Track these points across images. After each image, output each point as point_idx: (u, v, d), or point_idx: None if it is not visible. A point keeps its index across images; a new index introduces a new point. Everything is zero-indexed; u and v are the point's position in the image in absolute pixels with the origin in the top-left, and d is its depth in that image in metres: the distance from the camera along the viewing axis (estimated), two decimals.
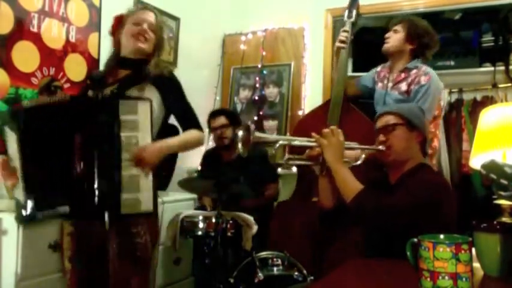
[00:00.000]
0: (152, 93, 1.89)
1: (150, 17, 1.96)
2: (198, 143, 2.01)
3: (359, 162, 1.81)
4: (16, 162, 1.68)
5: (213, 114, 3.24)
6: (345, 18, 2.83)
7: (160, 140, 1.85)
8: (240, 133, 1.59)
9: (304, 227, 2.67)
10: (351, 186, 1.65)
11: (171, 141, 1.90)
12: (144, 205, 1.71)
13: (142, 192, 1.71)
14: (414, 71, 2.51)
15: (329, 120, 2.74)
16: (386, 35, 2.62)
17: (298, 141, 1.76)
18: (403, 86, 2.53)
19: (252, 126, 1.58)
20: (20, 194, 1.70)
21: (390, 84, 2.61)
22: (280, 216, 2.94)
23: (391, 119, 1.78)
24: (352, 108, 2.80)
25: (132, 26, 1.93)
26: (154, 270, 2.75)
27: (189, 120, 1.99)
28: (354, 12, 2.81)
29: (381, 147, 1.76)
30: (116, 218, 1.69)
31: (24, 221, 1.87)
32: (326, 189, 1.79)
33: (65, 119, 1.68)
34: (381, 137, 1.77)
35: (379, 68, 2.77)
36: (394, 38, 2.57)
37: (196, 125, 1.99)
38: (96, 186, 1.64)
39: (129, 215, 1.71)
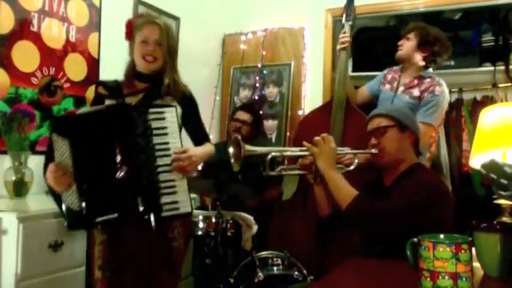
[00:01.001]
0: (175, 105, 1.95)
1: (155, 33, 1.96)
2: (211, 155, 2.11)
3: (352, 167, 1.81)
4: (66, 168, 1.73)
5: (243, 108, 3.35)
6: (343, 21, 2.86)
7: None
8: (231, 149, 1.60)
9: (305, 227, 2.67)
10: (345, 192, 1.64)
11: (207, 150, 2.01)
12: (182, 207, 1.80)
13: (179, 194, 1.80)
14: (428, 80, 2.59)
15: (332, 121, 2.76)
16: (399, 43, 2.68)
17: (290, 151, 1.77)
18: (416, 92, 2.58)
19: (242, 141, 1.58)
20: (70, 200, 1.74)
21: (402, 88, 2.66)
22: (281, 215, 2.94)
23: (382, 121, 1.77)
24: (354, 109, 2.80)
25: (140, 44, 1.95)
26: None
27: (204, 136, 2.11)
28: (352, 15, 2.83)
29: (373, 150, 1.75)
30: (157, 221, 1.76)
31: (77, 228, 1.90)
32: (321, 197, 1.79)
33: (104, 127, 1.76)
34: (373, 140, 1.77)
35: (386, 71, 2.82)
36: (407, 46, 2.64)
37: (209, 139, 2.12)
38: (137, 192, 1.72)
39: (168, 217, 1.79)
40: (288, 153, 1.75)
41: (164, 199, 1.76)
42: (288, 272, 2.31)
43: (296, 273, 2.29)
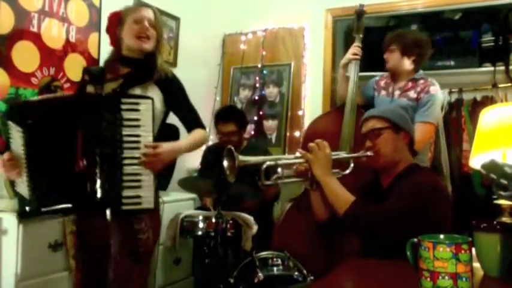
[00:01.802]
0: (155, 93, 1.90)
1: (149, 13, 1.96)
2: (204, 142, 2.08)
3: (348, 171, 1.80)
4: (20, 157, 1.69)
5: (223, 118, 3.11)
6: (354, 34, 2.91)
7: (159, 138, 1.86)
8: (225, 162, 1.59)
9: (309, 226, 2.67)
10: (342, 198, 1.64)
11: (183, 143, 1.95)
12: (145, 202, 1.74)
13: (143, 189, 1.73)
14: (421, 81, 2.66)
15: (344, 126, 2.79)
16: (385, 56, 2.75)
17: (285, 159, 1.76)
18: (412, 94, 2.65)
19: (235, 151, 1.57)
20: (23, 189, 1.70)
21: (398, 92, 2.72)
22: (290, 214, 2.94)
23: (376, 124, 1.77)
24: (363, 112, 2.81)
25: (132, 24, 1.92)
26: (154, 269, 2.76)
27: (194, 120, 2.03)
28: (362, 28, 2.89)
29: (368, 153, 1.75)
30: (117, 214, 1.71)
31: (27, 217, 1.87)
32: (318, 202, 1.78)
33: (68, 115, 1.70)
34: (368, 143, 1.76)
35: (377, 78, 2.89)
36: (392, 58, 2.71)
37: (200, 125, 2.03)
38: (98, 183, 1.66)
39: (130, 211, 1.74)
40: (283, 161, 1.73)
41: (126, 192, 1.70)
42: (288, 272, 2.31)
43: (296, 273, 2.29)
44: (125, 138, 1.71)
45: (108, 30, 1.99)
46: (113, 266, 1.75)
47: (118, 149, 1.70)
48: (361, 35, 2.88)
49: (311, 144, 1.70)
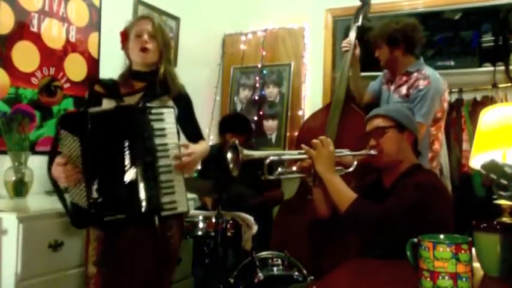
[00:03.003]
0: (171, 105, 1.97)
1: (148, 25, 1.99)
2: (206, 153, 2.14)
3: (351, 169, 1.80)
4: (74, 165, 1.74)
5: (234, 129, 3.10)
6: (352, 23, 2.88)
7: None
8: (229, 155, 1.60)
9: (306, 226, 2.67)
10: (344, 195, 1.64)
11: (204, 148, 2.05)
12: (180, 206, 1.83)
13: (177, 194, 1.82)
14: (415, 74, 2.54)
15: (328, 122, 2.75)
16: (376, 54, 2.68)
17: (289, 154, 1.77)
18: (403, 90, 2.57)
19: (239, 145, 1.58)
20: (78, 198, 1.75)
21: (393, 87, 2.66)
22: (283, 215, 2.94)
23: (380, 122, 1.77)
24: (353, 109, 2.80)
25: (134, 39, 1.97)
26: None
27: (198, 135, 2.12)
28: (361, 17, 2.85)
29: (372, 151, 1.75)
30: (159, 220, 1.79)
31: (84, 225, 1.89)
32: (320, 198, 1.78)
33: (114, 127, 1.79)
34: (372, 141, 1.76)
35: (386, 71, 2.81)
36: (382, 54, 2.63)
37: (203, 138, 2.14)
38: (143, 192, 1.74)
39: (166, 217, 1.81)
40: (287, 156, 1.74)
41: (164, 199, 1.79)
42: (288, 272, 2.31)
43: (296, 273, 2.29)
44: (158, 148, 1.81)
45: (122, 48, 2.05)
46: (144, 272, 1.80)
47: (155, 158, 1.79)
48: (357, 24, 2.80)
49: (315, 141, 1.70)
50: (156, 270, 1.86)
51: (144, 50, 1.95)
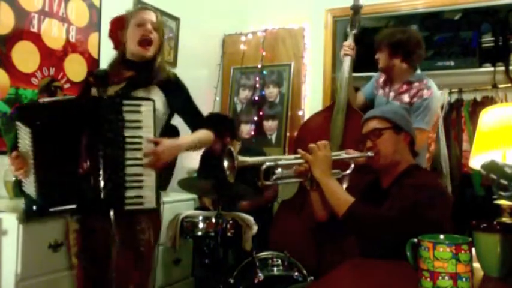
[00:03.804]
0: (157, 95, 1.92)
1: (152, 16, 1.97)
2: (209, 142, 2.06)
3: (348, 171, 1.80)
4: (27, 157, 1.71)
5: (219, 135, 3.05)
6: (347, 29, 2.89)
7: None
8: (225, 162, 1.59)
9: (306, 226, 2.67)
10: (342, 199, 1.64)
11: (184, 141, 1.94)
12: (147, 202, 1.75)
13: (145, 189, 1.75)
14: (416, 84, 2.61)
15: (332, 125, 2.77)
16: (376, 56, 2.71)
17: (285, 159, 1.74)
18: (406, 98, 2.62)
19: (235, 152, 1.58)
20: (30, 189, 1.72)
21: (392, 94, 2.69)
22: (282, 214, 2.94)
23: (376, 124, 1.76)
24: (355, 111, 2.81)
25: (135, 28, 1.93)
26: (155, 269, 2.76)
27: (198, 121, 2.03)
28: (357, 25, 2.86)
29: (369, 153, 1.74)
30: (120, 214, 1.73)
31: (33, 216, 1.88)
32: (318, 202, 1.78)
33: (72, 117, 1.72)
34: (368, 143, 1.76)
35: (378, 75, 2.85)
36: (382, 58, 2.67)
37: (205, 125, 2.03)
38: (101, 183, 1.68)
39: (132, 211, 1.75)
40: (283, 161, 1.72)
41: (129, 193, 1.72)
42: (288, 272, 2.31)
43: (296, 273, 2.29)
44: (127, 140, 1.72)
45: (110, 35, 2.00)
46: (114, 266, 1.76)
47: (120, 150, 1.71)
48: (354, 31, 2.84)
49: (311, 145, 1.70)
50: (127, 263, 1.81)
51: (146, 41, 1.91)
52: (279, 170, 1.70)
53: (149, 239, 1.88)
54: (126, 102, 1.74)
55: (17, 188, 1.80)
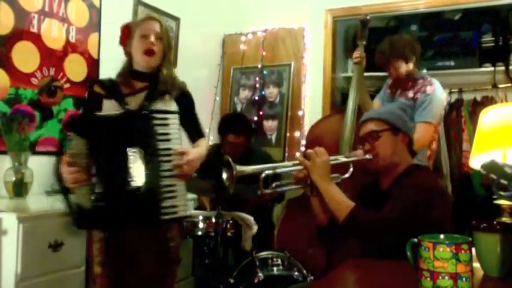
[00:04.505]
0: (174, 107, 1.96)
1: (156, 26, 1.98)
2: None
3: (347, 175, 1.79)
4: (80, 166, 1.74)
5: (235, 130, 3.06)
6: (357, 41, 2.95)
7: None
8: (224, 174, 1.60)
9: (315, 225, 2.67)
10: (342, 204, 1.63)
11: (203, 151, 2.04)
12: (180, 210, 1.84)
13: (178, 198, 1.83)
14: (420, 81, 2.72)
15: (343, 130, 2.83)
16: (390, 71, 2.79)
17: (283, 167, 1.74)
18: (410, 93, 2.72)
19: (232, 162, 1.57)
20: (81, 198, 1.74)
21: (398, 92, 2.81)
22: (289, 214, 2.95)
23: (374, 126, 1.76)
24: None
25: (140, 39, 1.95)
26: None
27: (199, 132, 2.12)
28: (365, 36, 2.93)
29: (367, 156, 1.74)
30: (156, 224, 1.81)
31: (84, 228, 1.91)
32: (319, 207, 1.77)
33: (118, 132, 1.78)
34: (367, 146, 1.75)
35: (388, 80, 2.97)
36: (401, 69, 2.73)
37: (204, 135, 2.14)
38: (141, 196, 1.75)
39: (166, 220, 1.81)
40: (282, 169, 1.72)
41: (165, 203, 1.80)
42: (288, 272, 2.31)
43: (296, 273, 2.29)
44: (161, 152, 1.80)
45: (121, 43, 2.03)
46: (146, 273, 1.82)
47: (158, 163, 1.79)
48: (364, 42, 2.93)
49: (309, 151, 1.70)
50: (159, 271, 1.87)
51: (149, 52, 1.93)
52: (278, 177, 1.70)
53: (177, 245, 1.95)
54: (157, 116, 1.82)
55: (64, 198, 1.80)
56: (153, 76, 1.97)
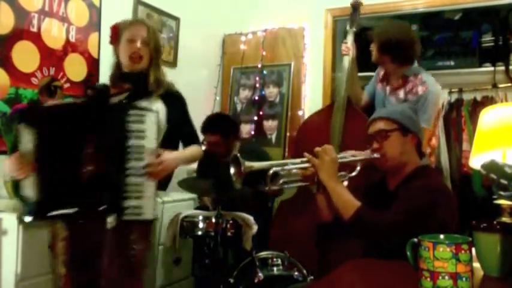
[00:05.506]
0: (159, 107, 1.95)
1: (142, 31, 1.98)
2: (198, 158, 2.17)
3: (354, 173, 1.79)
4: (28, 159, 1.70)
5: (208, 129, 3.03)
6: (347, 28, 2.88)
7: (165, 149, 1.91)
8: (231, 169, 1.59)
9: (307, 226, 2.67)
10: (348, 203, 1.63)
11: (184, 154, 2.01)
12: (146, 213, 1.76)
13: (145, 200, 1.76)
14: (411, 78, 2.58)
15: (332, 125, 2.76)
16: (370, 47, 2.70)
17: (292, 164, 1.73)
18: (401, 94, 2.60)
19: (241, 158, 1.57)
20: (29, 191, 1.71)
21: (388, 89, 2.69)
22: (282, 214, 2.95)
23: (383, 125, 1.74)
24: (356, 110, 2.81)
25: (126, 43, 1.96)
26: (154, 269, 2.76)
27: (192, 137, 2.10)
28: (356, 23, 2.87)
29: (375, 155, 1.73)
30: (117, 224, 1.73)
31: (33, 219, 1.85)
32: (324, 204, 1.77)
33: (77, 123, 1.73)
34: (375, 145, 1.74)
35: (379, 68, 2.83)
36: (374, 52, 2.67)
37: (197, 141, 2.12)
38: (102, 191, 1.69)
39: (129, 221, 1.76)
40: (290, 166, 1.71)
41: (128, 202, 1.73)
42: (288, 272, 2.31)
43: (296, 273, 2.29)
44: (130, 149, 1.74)
45: (111, 42, 2.04)
46: (104, 274, 1.76)
47: (123, 158, 1.72)
48: (354, 29, 2.83)
49: (317, 149, 1.69)
50: (114, 274, 1.80)
51: (135, 58, 1.94)
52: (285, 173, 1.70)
53: (141, 249, 1.87)
54: (131, 112, 1.76)
55: (14, 190, 1.78)
56: (140, 77, 1.96)
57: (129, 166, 1.73)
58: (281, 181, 1.70)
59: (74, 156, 1.70)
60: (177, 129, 2.05)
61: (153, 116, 1.79)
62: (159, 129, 1.85)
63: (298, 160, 1.75)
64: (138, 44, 1.94)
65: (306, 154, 1.72)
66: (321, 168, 1.67)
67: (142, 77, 1.96)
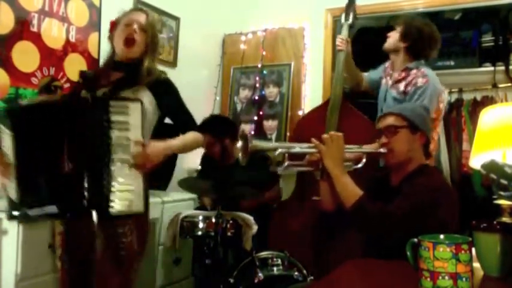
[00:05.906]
0: (146, 96, 1.90)
1: (141, 17, 1.96)
2: (198, 145, 2.05)
3: (360, 165, 1.79)
4: (10, 159, 1.69)
5: (201, 131, 3.04)
6: (342, 20, 2.86)
7: (157, 139, 1.87)
8: (239, 144, 1.60)
9: (304, 226, 2.67)
10: (351, 192, 1.64)
11: (173, 142, 1.92)
12: (134, 205, 1.71)
13: (132, 192, 1.71)
14: (413, 71, 2.55)
15: (327, 120, 2.75)
16: (388, 34, 2.67)
17: (298, 147, 1.73)
18: (401, 86, 2.57)
19: (250, 135, 1.59)
20: (12, 192, 1.70)
21: (390, 82, 2.66)
22: (280, 215, 2.94)
23: (393, 121, 1.75)
24: (351, 108, 2.80)
25: (123, 27, 1.93)
26: (154, 269, 2.76)
27: (187, 123, 2.01)
28: (351, 15, 2.83)
29: (382, 149, 1.74)
30: (104, 217, 1.70)
31: (14, 219, 1.85)
32: (327, 192, 1.78)
33: (56, 119, 1.70)
34: (383, 139, 1.75)
35: (387, 64, 2.80)
36: (393, 36, 2.63)
37: (195, 128, 2.02)
38: (85, 185, 1.65)
39: (117, 215, 1.72)
40: (296, 149, 1.72)
41: (114, 196, 1.68)
42: (288, 272, 2.31)
43: (296, 273, 2.29)
44: (114, 141, 1.68)
45: (109, 38, 2.02)
46: (96, 268, 1.73)
47: (106, 151, 1.67)
48: (349, 22, 2.79)
49: (325, 136, 1.70)
50: (103, 267, 1.78)
51: (129, 41, 1.89)
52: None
53: (131, 243, 1.84)
54: (112, 103, 1.70)
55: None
56: (131, 67, 1.93)
57: (113, 158, 1.68)
58: (286, 164, 1.71)
59: (53, 154, 1.67)
60: (172, 117, 2.01)
61: (136, 105, 1.72)
62: (147, 119, 1.81)
63: (305, 145, 1.74)
64: (135, 27, 1.91)
65: (313, 140, 1.71)
66: (327, 155, 1.67)
67: (133, 66, 1.92)
